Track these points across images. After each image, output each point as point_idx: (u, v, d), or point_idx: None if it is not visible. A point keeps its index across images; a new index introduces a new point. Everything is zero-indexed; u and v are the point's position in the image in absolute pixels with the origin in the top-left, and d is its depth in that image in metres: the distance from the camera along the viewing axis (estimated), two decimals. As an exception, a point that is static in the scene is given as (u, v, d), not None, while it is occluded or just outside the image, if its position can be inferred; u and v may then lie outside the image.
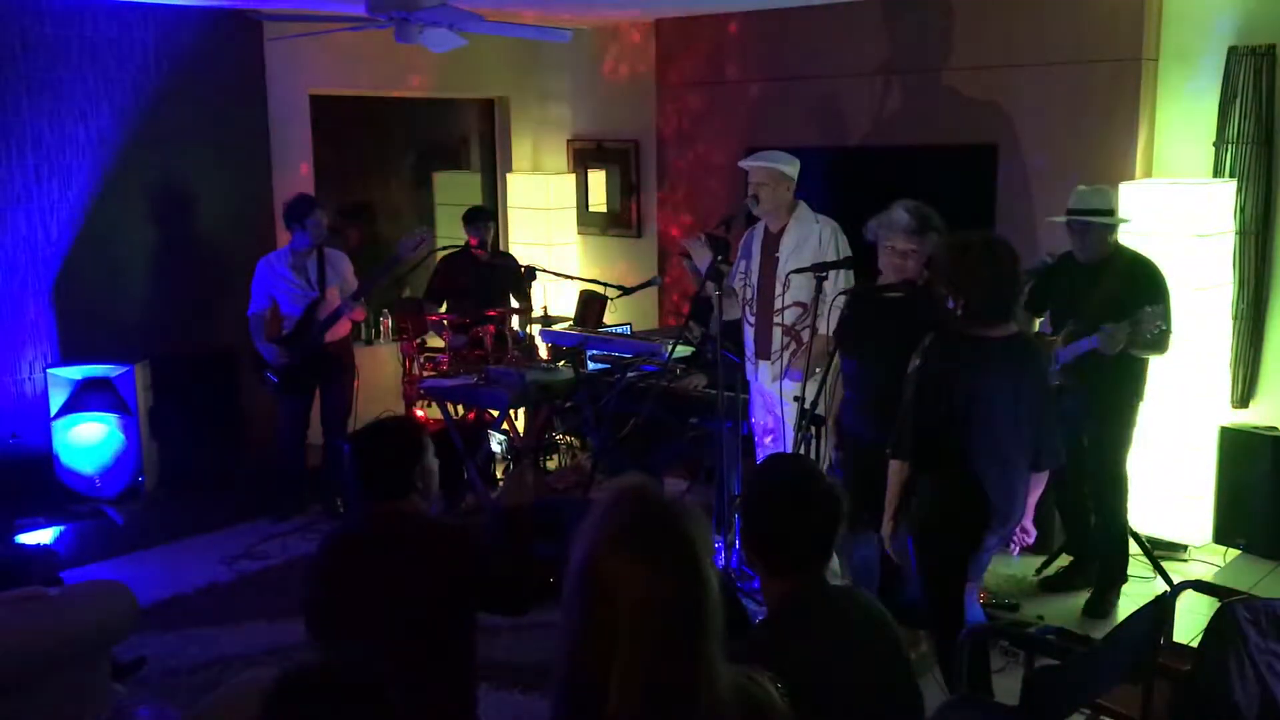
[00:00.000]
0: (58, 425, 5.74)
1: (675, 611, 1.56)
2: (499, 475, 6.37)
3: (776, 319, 4.68)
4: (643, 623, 1.54)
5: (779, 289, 4.66)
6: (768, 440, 4.87)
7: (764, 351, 4.75)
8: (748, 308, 4.81)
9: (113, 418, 5.75)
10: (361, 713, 1.32)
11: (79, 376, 5.76)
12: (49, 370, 5.81)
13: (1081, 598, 4.74)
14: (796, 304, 4.60)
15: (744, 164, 4.77)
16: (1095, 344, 4.29)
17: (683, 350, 5.47)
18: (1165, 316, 4.33)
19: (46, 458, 5.76)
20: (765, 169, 4.65)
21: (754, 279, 4.76)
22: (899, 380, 3.68)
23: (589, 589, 1.57)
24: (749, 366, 4.88)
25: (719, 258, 4.61)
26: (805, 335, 4.50)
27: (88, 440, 5.75)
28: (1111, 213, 4.57)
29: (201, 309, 6.39)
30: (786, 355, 4.64)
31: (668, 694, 1.54)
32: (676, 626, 1.55)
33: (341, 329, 5.88)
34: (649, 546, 1.58)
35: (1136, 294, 4.37)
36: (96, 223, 6.05)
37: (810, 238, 4.60)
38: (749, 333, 4.83)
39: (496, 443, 6.22)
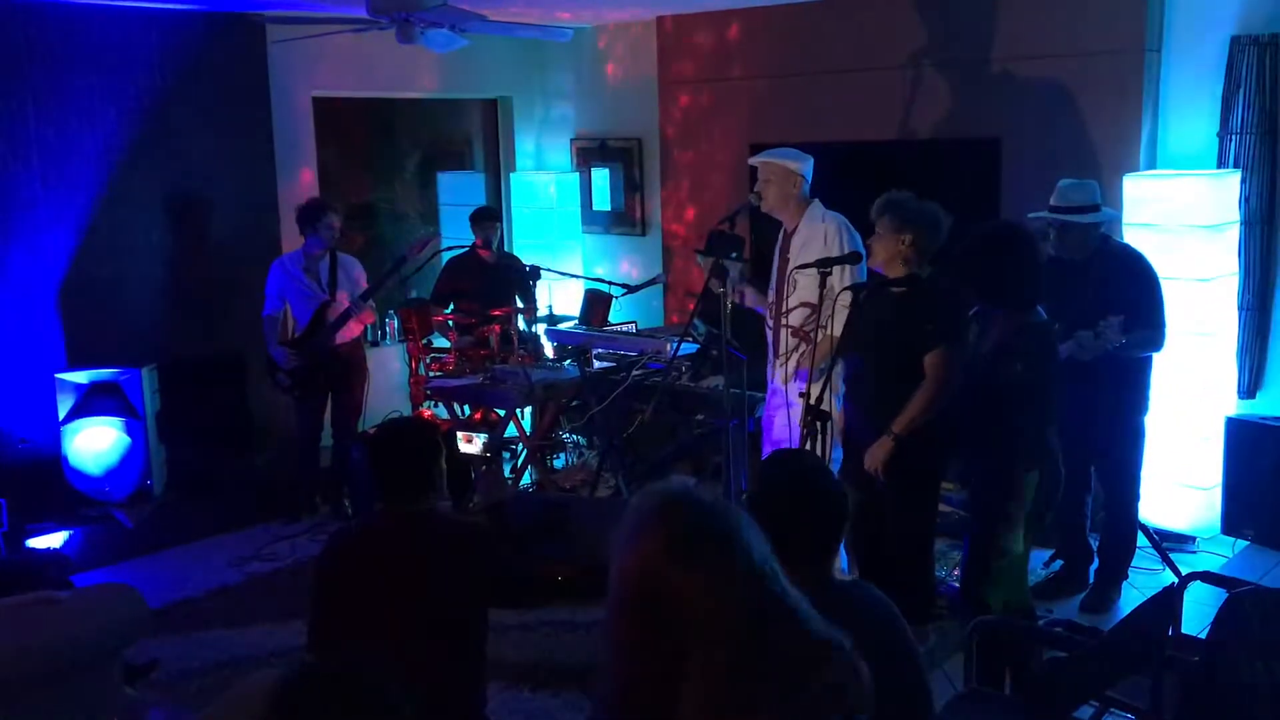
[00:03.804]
0: (66, 430, 5.76)
1: (744, 620, 1.50)
2: (508, 474, 6.38)
3: (784, 320, 4.67)
4: (713, 635, 1.48)
5: (787, 289, 4.65)
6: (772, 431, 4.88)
7: (777, 351, 4.75)
8: (768, 309, 4.81)
9: (120, 421, 5.77)
10: (368, 712, 1.32)
11: (86, 381, 5.77)
12: (57, 375, 5.82)
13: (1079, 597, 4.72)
14: (803, 304, 4.57)
15: (752, 160, 4.76)
16: (1069, 352, 4.25)
17: (689, 347, 5.47)
18: (1151, 315, 4.30)
19: (55, 462, 5.78)
20: (770, 164, 4.62)
21: (772, 280, 4.76)
22: (892, 377, 3.71)
23: (649, 605, 1.51)
24: (769, 367, 4.88)
25: (733, 255, 4.60)
26: (815, 336, 4.49)
27: (96, 444, 5.77)
28: (1095, 208, 4.47)
29: (208, 312, 6.41)
30: (795, 357, 4.62)
31: (748, 706, 1.50)
32: (747, 635, 1.50)
33: (353, 330, 5.89)
34: (712, 555, 1.52)
35: (1125, 289, 4.33)
36: (102, 227, 6.07)
37: (816, 236, 4.56)
38: (769, 334, 4.83)
39: (480, 442, 6.21)
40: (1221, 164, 5.15)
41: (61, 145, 5.91)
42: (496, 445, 6.04)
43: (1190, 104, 5.32)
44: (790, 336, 4.63)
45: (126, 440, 5.78)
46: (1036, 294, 3.57)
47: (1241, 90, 5.05)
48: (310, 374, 5.77)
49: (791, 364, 4.61)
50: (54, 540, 5.37)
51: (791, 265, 4.57)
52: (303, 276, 5.78)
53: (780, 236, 4.74)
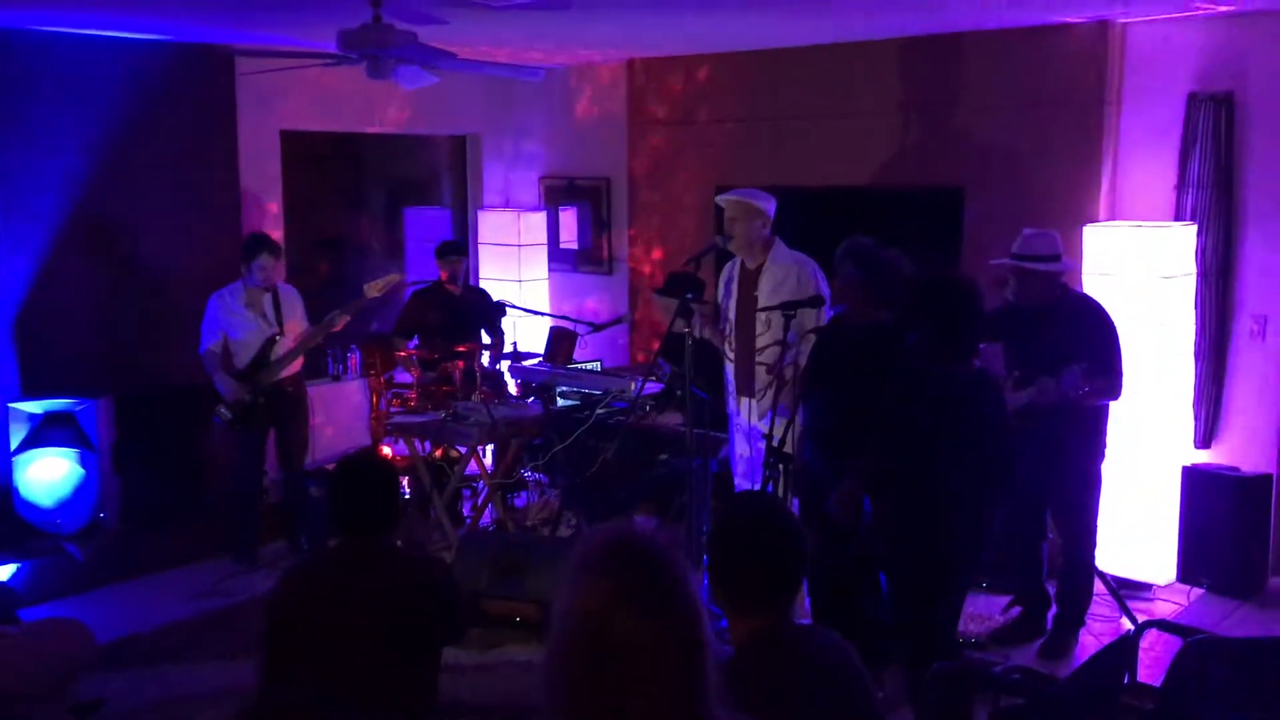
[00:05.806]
0: (18, 460, 5.65)
1: (685, 664, 1.52)
2: (464, 512, 6.33)
3: (758, 358, 4.70)
4: (656, 678, 1.50)
5: (759, 328, 4.68)
6: (741, 469, 4.88)
7: (745, 388, 4.77)
8: (727, 344, 4.83)
9: (74, 453, 5.67)
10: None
11: (40, 411, 5.68)
12: (10, 404, 5.72)
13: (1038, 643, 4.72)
14: (776, 343, 4.60)
15: (720, 199, 4.82)
16: (1031, 398, 4.28)
17: (653, 387, 5.47)
18: (1109, 363, 4.34)
19: (6, 493, 5.66)
20: (738, 203, 4.71)
21: (732, 315, 4.79)
22: (847, 416, 3.73)
23: (593, 647, 1.52)
24: (730, 401, 4.89)
25: (690, 295, 4.63)
26: (787, 373, 4.51)
27: (48, 475, 5.67)
28: (1057, 257, 4.52)
29: (166, 344, 6.31)
30: (769, 393, 4.63)
31: None
32: (688, 679, 1.52)
33: (294, 365, 5.82)
34: (659, 602, 1.53)
35: (1083, 338, 4.38)
36: (62, 257, 5.99)
37: (789, 277, 4.63)
38: (729, 369, 4.85)
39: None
40: (1179, 217, 5.24)
41: (21, 173, 5.83)
42: (423, 488, 5.95)
43: (1148, 157, 5.42)
44: (765, 374, 4.66)
45: (80, 472, 5.68)
46: (939, 345, 3.57)
47: (1198, 145, 5.16)
48: (251, 409, 5.67)
49: (765, 401, 4.64)
50: (2, 573, 5.26)
51: (761, 304, 4.61)
52: (243, 310, 5.67)
53: (737, 272, 4.79)
